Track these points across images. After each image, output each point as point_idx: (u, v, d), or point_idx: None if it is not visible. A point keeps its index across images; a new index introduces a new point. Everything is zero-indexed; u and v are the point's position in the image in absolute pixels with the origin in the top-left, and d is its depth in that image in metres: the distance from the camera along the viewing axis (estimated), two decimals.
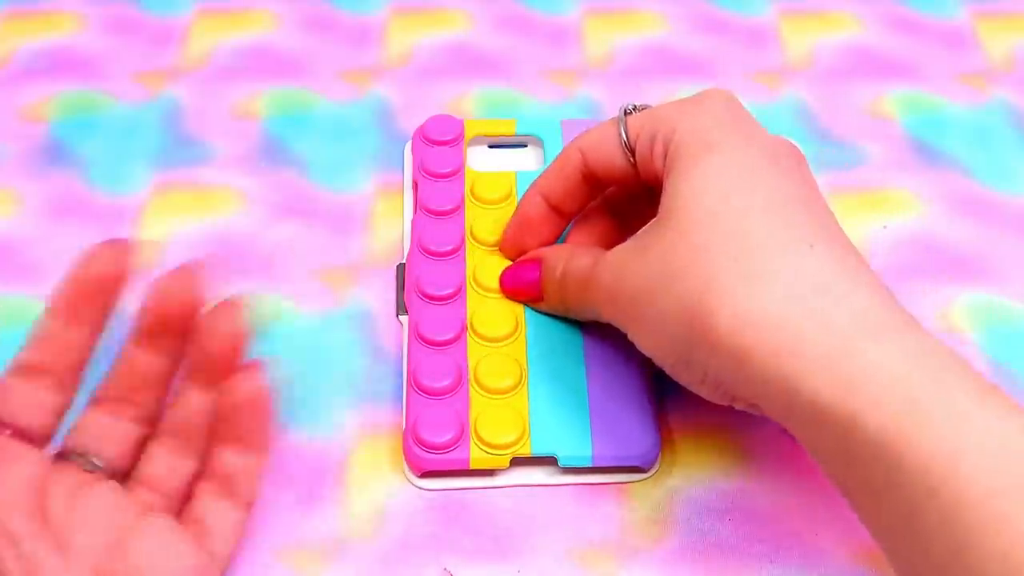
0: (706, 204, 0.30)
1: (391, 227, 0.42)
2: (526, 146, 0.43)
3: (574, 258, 0.35)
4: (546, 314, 0.37)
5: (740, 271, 0.29)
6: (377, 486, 0.35)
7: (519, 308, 0.37)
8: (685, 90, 0.47)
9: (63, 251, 0.40)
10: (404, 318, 0.38)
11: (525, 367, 0.36)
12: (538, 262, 0.36)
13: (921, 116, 0.47)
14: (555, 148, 0.42)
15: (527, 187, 0.37)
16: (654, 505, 0.34)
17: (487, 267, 0.38)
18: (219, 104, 0.46)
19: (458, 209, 0.40)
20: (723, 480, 0.35)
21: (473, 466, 0.34)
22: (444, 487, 0.34)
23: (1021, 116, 0.47)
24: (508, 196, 0.41)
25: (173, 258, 0.40)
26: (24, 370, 0.30)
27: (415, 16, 0.51)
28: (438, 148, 0.42)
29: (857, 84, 0.48)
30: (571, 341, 0.37)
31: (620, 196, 0.37)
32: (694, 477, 0.35)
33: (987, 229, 0.43)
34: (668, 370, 0.32)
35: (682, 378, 0.31)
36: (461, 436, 0.34)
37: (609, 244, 0.34)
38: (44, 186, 0.43)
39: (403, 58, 0.49)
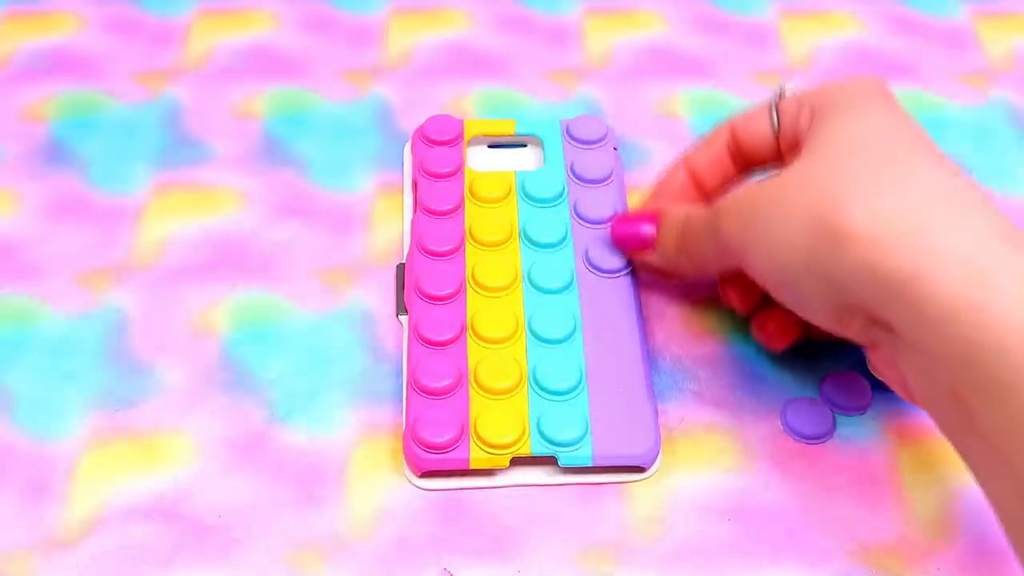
0: (846, 136, 0.32)
1: (391, 227, 0.42)
2: (526, 146, 0.43)
3: (694, 209, 0.36)
4: (652, 267, 0.38)
5: (877, 178, 0.30)
6: (377, 486, 0.35)
7: (519, 308, 0.37)
8: (685, 90, 0.47)
9: (63, 251, 0.40)
10: (404, 318, 0.38)
11: (525, 367, 0.36)
12: (657, 215, 0.37)
13: (921, 116, 0.47)
14: (555, 148, 0.42)
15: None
16: (654, 505, 0.34)
17: (486, 267, 0.38)
18: (219, 104, 0.46)
19: (458, 209, 0.40)
20: (723, 480, 0.35)
21: (473, 466, 0.34)
22: (444, 487, 0.34)
23: (1021, 116, 0.47)
24: (507, 196, 0.41)
25: (173, 258, 0.40)
26: None
27: (415, 16, 0.51)
28: (438, 148, 0.42)
29: None
30: (571, 341, 0.37)
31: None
32: (694, 477, 0.35)
33: None
34: (782, 290, 0.32)
35: (799, 296, 0.32)
36: (461, 436, 0.34)
37: None
38: (44, 186, 0.43)
39: (403, 58, 0.49)
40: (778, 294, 0.33)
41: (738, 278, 0.36)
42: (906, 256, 0.28)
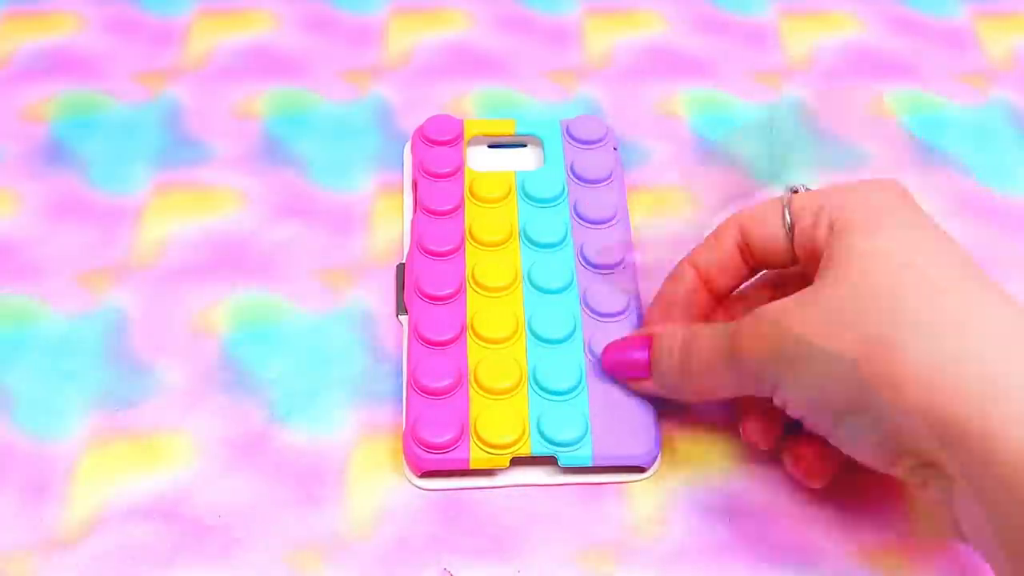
0: (885, 254, 0.29)
1: (391, 227, 0.42)
2: (526, 146, 0.43)
3: (699, 330, 0.33)
4: (651, 392, 0.35)
5: (930, 312, 0.27)
6: (377, 486, 0.35)
7: (519, 308, 0.37)
8: (685, 90, 0.47)
9: (63, 251, 0.40)
10: (404, 318, 0.38)
11: (525, 367, 0.36)
12: (648, 339, 0.34)
13: (921, 116, 0.47)
14: (555, 148, 0.42)
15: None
16: (654, 505, 0.34)
17: (486, 267, 0.38)
18: (219, 104, 0.46)
19: (458, 209, 0.40)
20: (723, 480, 0.35)
21: (473, 466, 0.34)
22: (444, 487, 0.34)
23: (1021, 116, 0.47)
24: (507, 196, 0.41)
25: (173, 258, 0.40)
26: None
27: (415, 16, 0.51)
28: (438, 148, 0.42)
29: (857, 84, 0.48)
30: (571, 341, 0.37)
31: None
32: (694, 477, 0.35)
33: (987, 229, 0.43)
34: (824, 425, 0.30)
35: (842, 432, 0.29)
36: (461, 436, 0.34)
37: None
38: (44, 186, 0.43)
39: (403, 58, 0.49)
40: (816, 428, 0.31)
41: (757, 406, 0.33)
42: (972, 404, 0.26)
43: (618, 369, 0.35)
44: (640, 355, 0.34)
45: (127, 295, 0.39)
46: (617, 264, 0.39)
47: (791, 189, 0.33)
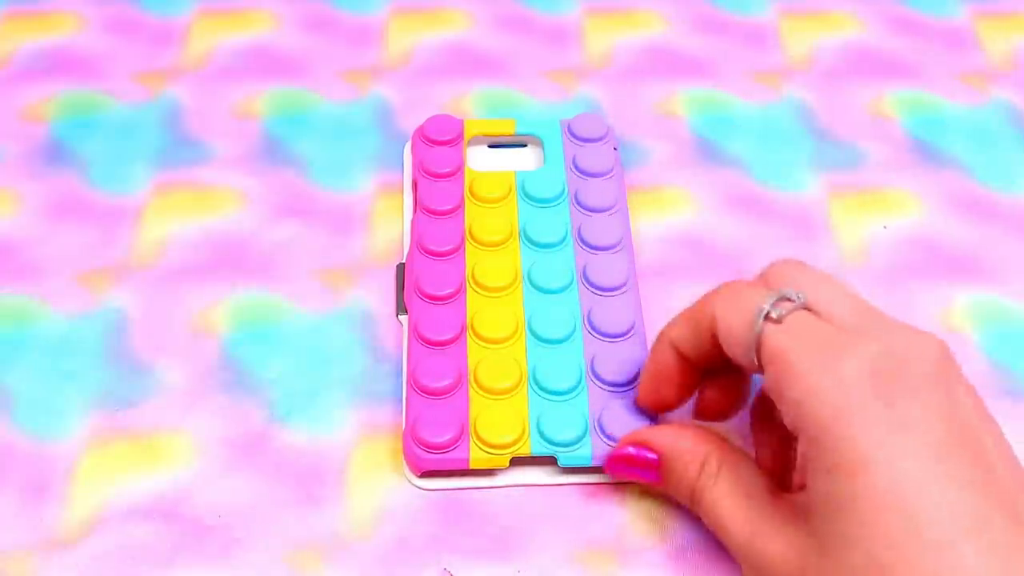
0: (897, 516, 0.26)
1: (391, 227, 0.42)
2: (526, 146, 0.44)
3: (710, 484, 0.31)
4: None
5: None
6: (377, 486, 0.35)
7: (519, 308, 0.37)
8: (685, 90, 0.47)
9: (63, 251, 0.40)
10: (404, 318, 0.38)
11: (525, 367, 0.36)
12: (655, 464, 0.33)
13: (921, 116, 0.47)
14: (555, 148, 0.42)
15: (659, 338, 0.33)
16: (654, 505, 0.34)
17: (486, 267, 0.38)
18: (219, 104, 0.46)
19: (458, 209, 0.40)
20: None
21: (473, 466, 0.34)
22: (444, 487, 0.34)
23: (1021, 116, 0.47)
24: (507, 196, 0.41)
25: (173, 258, 0.40)
26: None
27: (415, 16, 0.51)
28: (438, 148, 0.42)
29: (857, 84, 0.48)
30: (571, 341, 0.37)
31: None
32: None
33: (987, 229, 0.43)
34: None
35: None
36: (461, 436, 0.34)
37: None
38: (44, 186, 0.43)
39: (403, 58, 0.49)
40: None
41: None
42: None
43: (624, 473, 0.34)
44: (649, 476, 0.33)
45: (127, 295, 0.39)
46: (615, 246, 0.39)
47: (766, 315, 0.29)
